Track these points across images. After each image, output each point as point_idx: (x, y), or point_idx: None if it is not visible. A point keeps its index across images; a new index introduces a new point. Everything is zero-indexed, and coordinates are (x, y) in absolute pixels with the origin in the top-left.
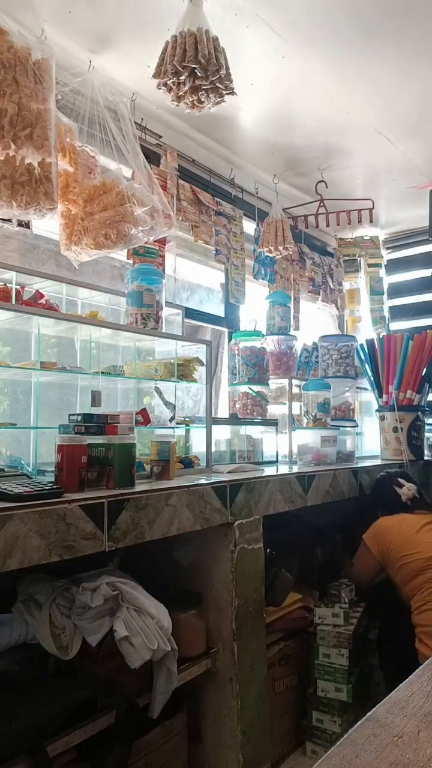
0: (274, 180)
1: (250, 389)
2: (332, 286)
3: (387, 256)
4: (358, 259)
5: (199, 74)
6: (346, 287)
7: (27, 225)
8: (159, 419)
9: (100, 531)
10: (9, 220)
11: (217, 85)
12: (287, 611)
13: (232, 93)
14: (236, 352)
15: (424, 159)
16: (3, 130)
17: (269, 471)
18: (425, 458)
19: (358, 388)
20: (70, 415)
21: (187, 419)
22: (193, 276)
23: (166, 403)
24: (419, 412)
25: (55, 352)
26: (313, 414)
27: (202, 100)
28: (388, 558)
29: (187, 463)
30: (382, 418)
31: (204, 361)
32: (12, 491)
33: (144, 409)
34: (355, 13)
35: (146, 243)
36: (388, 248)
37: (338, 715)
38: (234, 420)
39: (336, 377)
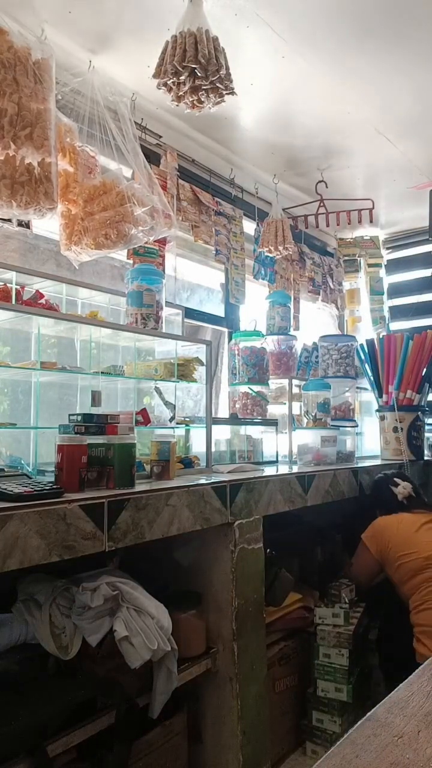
0: (274, 180)
1: (250, 389)
2: (332, 286)
3: (387, 256)
4: (358, 259)
5: (199, 74)
6: (346, 287)
7: (27, 225)
8: (159, 419)
9: (100, 531)
10: (9, 220)
11: (217, 85)
12: (287, 611)
13: (232, 93)
14: (236, 352)
15: (424, 159)
16: (3, 130)
17: (269, 471)
18: (425, 458)
19: (358, 388)
20: (70, 415)
21: (187, 419)
22: (193, 276)
23: (166, 403)
24: (419, 412)
25: (55, 352)
26: (313, 414)
27: (202, 100)
28: (387, 557)
29: (187, 463)
30: (382, 418)
31: (204, 361)
32: (12, 491)
33: (144, 409)
34: (355, 13)
35: (146, 243)
36: (388, 248)
37: (338, 715)
38: (234, 420)
39: (336, 377)
